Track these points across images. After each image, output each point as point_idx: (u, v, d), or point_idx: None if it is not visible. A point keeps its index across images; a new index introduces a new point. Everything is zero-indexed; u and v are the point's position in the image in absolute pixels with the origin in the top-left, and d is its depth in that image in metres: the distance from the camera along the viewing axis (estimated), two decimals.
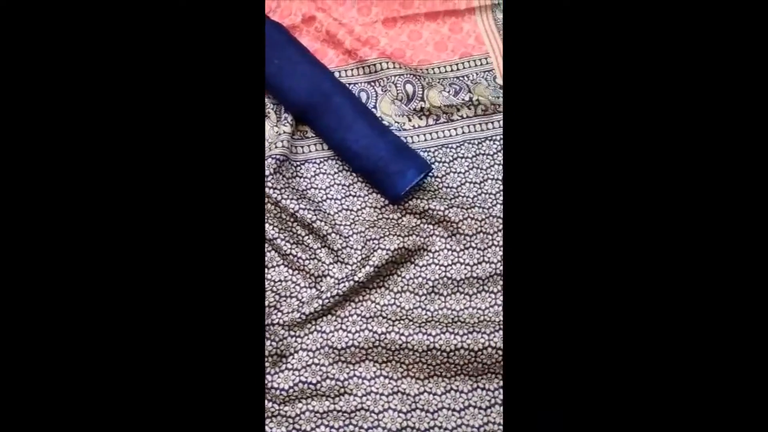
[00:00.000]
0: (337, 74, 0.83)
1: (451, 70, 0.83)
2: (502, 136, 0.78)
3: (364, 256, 0.70)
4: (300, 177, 0.76)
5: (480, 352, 0.63)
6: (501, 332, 0.64)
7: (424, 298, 0.69)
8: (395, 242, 0.69)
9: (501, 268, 0.69)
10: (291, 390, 0.64)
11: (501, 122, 0.78)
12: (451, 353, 0.64)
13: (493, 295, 0.69)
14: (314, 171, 0.76)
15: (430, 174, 0.75)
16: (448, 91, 0.79)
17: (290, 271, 0.70)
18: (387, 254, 0.68)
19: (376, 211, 0.74)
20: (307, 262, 0.70)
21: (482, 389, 0.64)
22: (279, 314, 0.68)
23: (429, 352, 0.64)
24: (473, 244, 0.71)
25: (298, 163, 0.77)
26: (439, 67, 0.83)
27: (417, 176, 0.70)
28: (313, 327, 0.67)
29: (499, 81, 0.81)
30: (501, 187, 0.74)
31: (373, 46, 0.85)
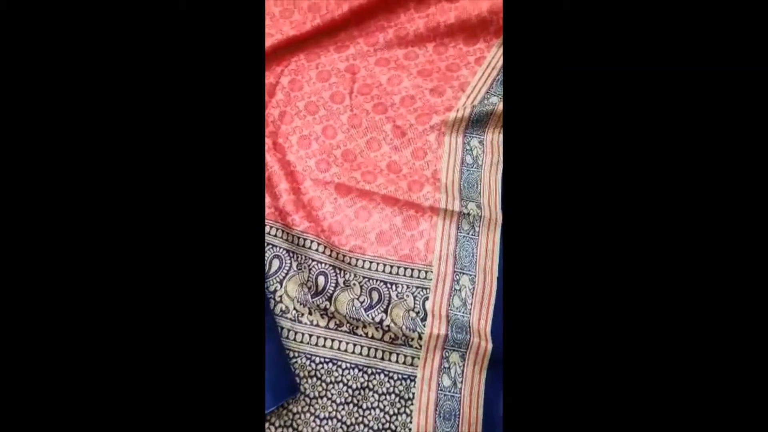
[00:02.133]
0: None
1: (382, 271, 0.72)
2: (399, 375, 0.66)
3: None
4: None
5: None
6: None
7: None
8: None
9: None
10: None
11: (406, 358, 0.66)
12: None
13: None
14: None
15: (300, 392, 0.63)
16: (362, 301, 0.68)
17: None
18: None
19: None
20: None
21: None
22: None
23: None
24: None
25: None
26: (371, 262, 0.72)
27: (272, 405, 0.58)
28: None
29: (429, 305, 0.70)
30: None
31: (313, 210, 0.75)
